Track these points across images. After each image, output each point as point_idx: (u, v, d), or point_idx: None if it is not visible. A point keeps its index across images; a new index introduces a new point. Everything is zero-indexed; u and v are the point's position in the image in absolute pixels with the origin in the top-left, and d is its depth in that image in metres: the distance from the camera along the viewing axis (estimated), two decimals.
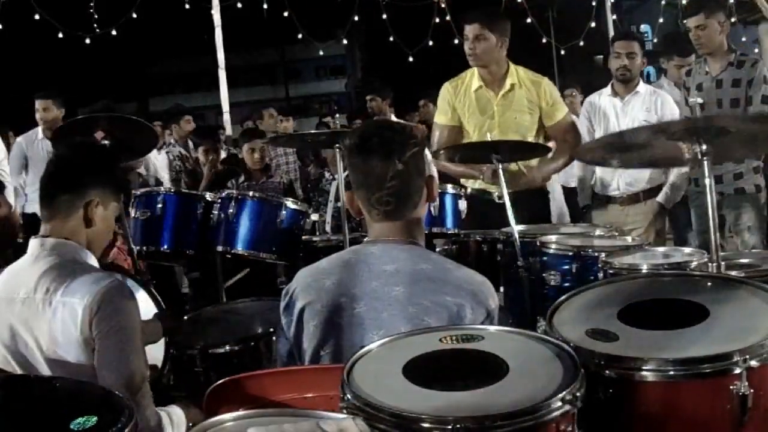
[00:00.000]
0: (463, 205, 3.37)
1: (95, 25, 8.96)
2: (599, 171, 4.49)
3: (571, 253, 3.07)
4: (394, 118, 6.76)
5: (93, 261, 2.18)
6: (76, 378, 1.97)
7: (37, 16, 8.46)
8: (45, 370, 2.04)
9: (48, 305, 2.01)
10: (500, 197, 3.65)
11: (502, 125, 3.87)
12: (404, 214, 1.99)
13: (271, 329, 2.77)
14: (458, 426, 1.24)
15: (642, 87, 4.43)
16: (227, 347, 2.74)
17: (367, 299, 1.89)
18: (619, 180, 4.40)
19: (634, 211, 4.35)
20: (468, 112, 3.99)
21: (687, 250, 2.88)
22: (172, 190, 3.48)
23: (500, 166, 3.19)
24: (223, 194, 3.40)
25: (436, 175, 3.84)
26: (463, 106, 4.00)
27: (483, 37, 3.87)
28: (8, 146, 6.33)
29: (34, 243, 2.13)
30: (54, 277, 2.04)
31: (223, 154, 7.07)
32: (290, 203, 3.35)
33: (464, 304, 1.85)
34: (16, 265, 2.15)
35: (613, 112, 4.45)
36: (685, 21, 4.15)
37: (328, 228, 4.89)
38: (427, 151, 2.63)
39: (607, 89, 4.52)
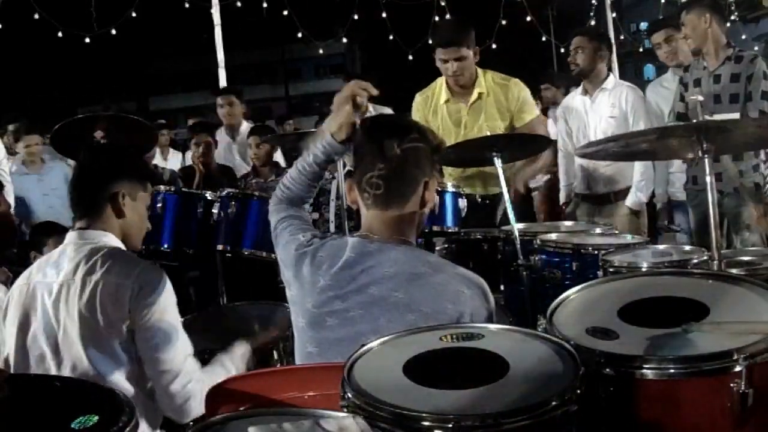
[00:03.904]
0: (463, 203, 3.37)
1: (95, 25, 8.95)
2: (578, 169, 4.54)
3: (571, 251, 3.07)
4: None
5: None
6: (105, 356, 2.14)
7: (36, 16, 8.45)
8: (78, 350, 2.14)
9: (89, 283, 2.15)
10: (482, 197, 3.66)
11: (474, 134, 3.89)
12: (394, 204, 1.96)
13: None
14: (458, 424, 1.24)
15: (609, 83, 4.48)
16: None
17: (364, 304, 1.87)
18: (595, 179, 4.45)
19: (607, 211, 4.41)
20: (441, 125, 4.01)
21: (687, 248, 2.88)
22: (172, 189, 3.47)
23: (499, 164, 3.20)
24: (224, 193, 3.40)
25: None
26: (435, 118, 4.04)
27: (463, 56, 3.88)
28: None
29: (72, 234, 2.29)
30: (96, 259, 2.18)
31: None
32: None
33: (465, 311, 1.84)
34: (53, 253, 2.30)
35: (583, 110, 4.53)
36: (682, 20, 4.18)
37: (332, 227, 4.89)
38: None
39: (579, 88, 4.60)
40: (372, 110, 5.92)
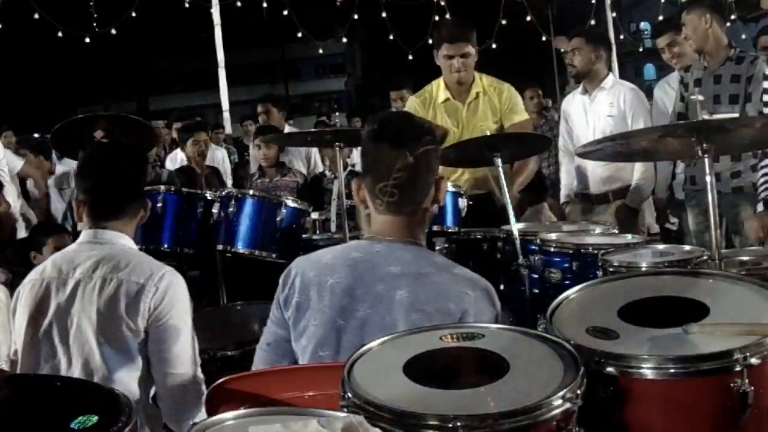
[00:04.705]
0: (463, 203, 3.37)
1: (95, 24, 8.96)
2: (576, 168, 4.55)
3: (571, 251, 3.07)
4: None
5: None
6: (118, 354, 2.16)
7: (36, 16, 8.45)
8: (92, 347, 2.15)
9: (110, 282, 2.17)
10: (471, 200, 3.67)
11: (470, 133, 3.93)
12: (407, 209, 1.95)
13: None
14: (459, 424, 1.24)
15: (608, 82, 4.50)
16: (225, 352, 2.74)
17: (372, 302, 1.86)
18: (592, 178, 4.46)
19: (605, 210, 4.42)
20: (440, 124, 4.04)
21: (687, 247, 2.88)
22: (172, 189, 3.47)
23: (500, 164, 3.20)
24: (223, 193, 3.40)
25: None
26: (433, 118, 4.06)
27: (469, 53, 3.96)
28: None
29: (88, 232, 2.31)
30: (117, 260, 2.21)
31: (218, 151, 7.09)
32: (290, 202, 3.34)
33: (468, 311, 1.83)
34: (68, 250, 2.32)
35: (582, 109, 4.55)
36: (683, 20, 4.17)
37: (333, 227, 4.90)
38: None
39: (579, 88, 4.62)
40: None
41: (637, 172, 4.37)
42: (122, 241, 2.30)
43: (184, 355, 2.21)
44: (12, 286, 2.45)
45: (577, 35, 4.57)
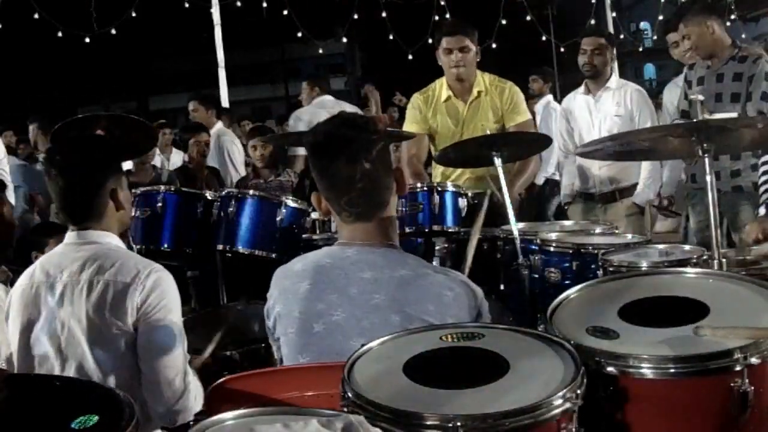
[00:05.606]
0: (463, 202, 3.37)
1: (95, 24, 8.94)
2: (578, 168, 4.55)
3: (571, 251, 3.07)
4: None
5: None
6: (111, 355, 2.15)
7: (36, 16, 8.45)
8: (84, 350, 2.15)
9: (97, 283, 2.15)
10: (474, 198, 3.68)
11: (470, 133, 3.94)
12: (376, 214, 1.93)
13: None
14: (459, 424, 1.24)
15: (613, 82, 4.53)
16: (225, 352, 2.74)
17: (346, 306, 1.85)
18: (596, 178, 4.46)
19: (611, 210, 4.42)
20: (440, 123, 4.09)
21: (687, 247, 2.88)
22: (172, 189, 3.47)
23: (499, 164, 3.20)
24: (224, 193, 3.40)
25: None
26: (434, 116, 4.10)
27: (467, 48, 3.97)
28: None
29: (72, 234, 2.28)
30: (103, 260, 2.19)
31: None
32: (290, 201, 3.34)
33: (447, 312, 1.82)
34: (54, 253, 2.30)
35: (586, 109, 4.56)
36: (683, 32, 4.17)
37: (333, 227, 4.91)
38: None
39: (581, 88, 4.64)
40: None
41: (644, 170, 4.38)
42: (107, 239, 2.27)
43: (173, 351, 2.18)
44: (12, 285, 2.45)
45: (595, 35, 4.57)
